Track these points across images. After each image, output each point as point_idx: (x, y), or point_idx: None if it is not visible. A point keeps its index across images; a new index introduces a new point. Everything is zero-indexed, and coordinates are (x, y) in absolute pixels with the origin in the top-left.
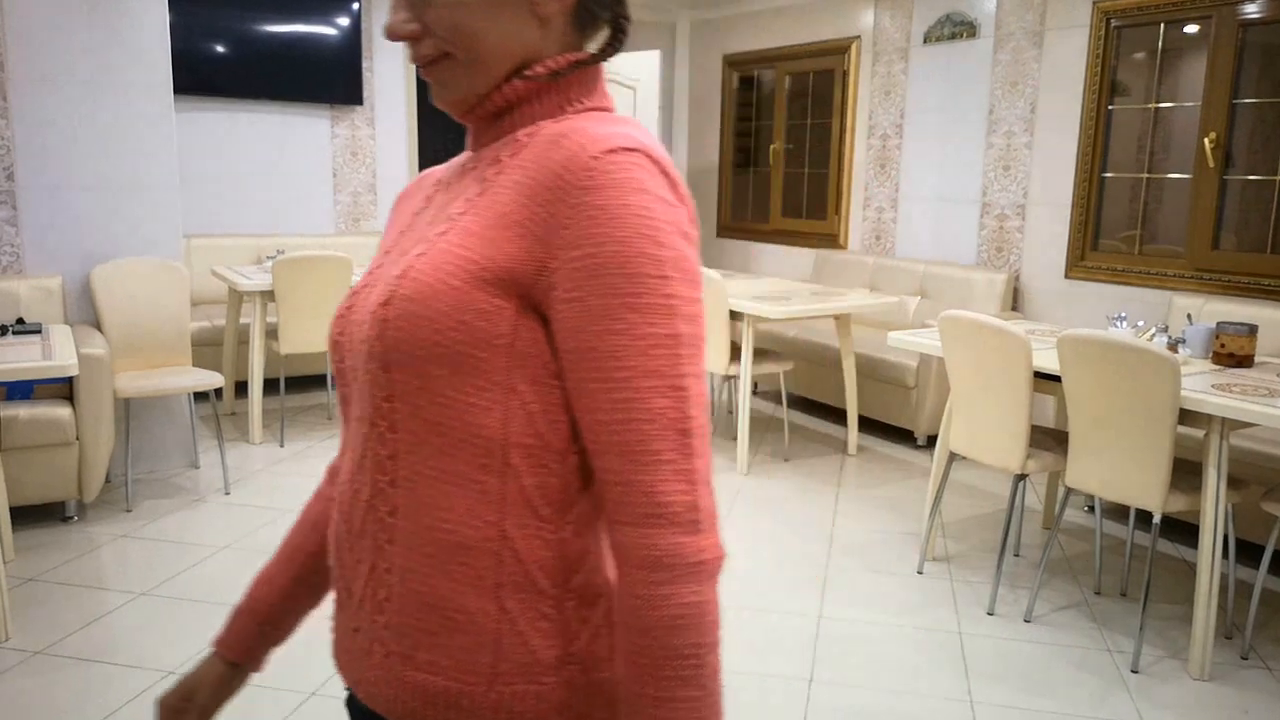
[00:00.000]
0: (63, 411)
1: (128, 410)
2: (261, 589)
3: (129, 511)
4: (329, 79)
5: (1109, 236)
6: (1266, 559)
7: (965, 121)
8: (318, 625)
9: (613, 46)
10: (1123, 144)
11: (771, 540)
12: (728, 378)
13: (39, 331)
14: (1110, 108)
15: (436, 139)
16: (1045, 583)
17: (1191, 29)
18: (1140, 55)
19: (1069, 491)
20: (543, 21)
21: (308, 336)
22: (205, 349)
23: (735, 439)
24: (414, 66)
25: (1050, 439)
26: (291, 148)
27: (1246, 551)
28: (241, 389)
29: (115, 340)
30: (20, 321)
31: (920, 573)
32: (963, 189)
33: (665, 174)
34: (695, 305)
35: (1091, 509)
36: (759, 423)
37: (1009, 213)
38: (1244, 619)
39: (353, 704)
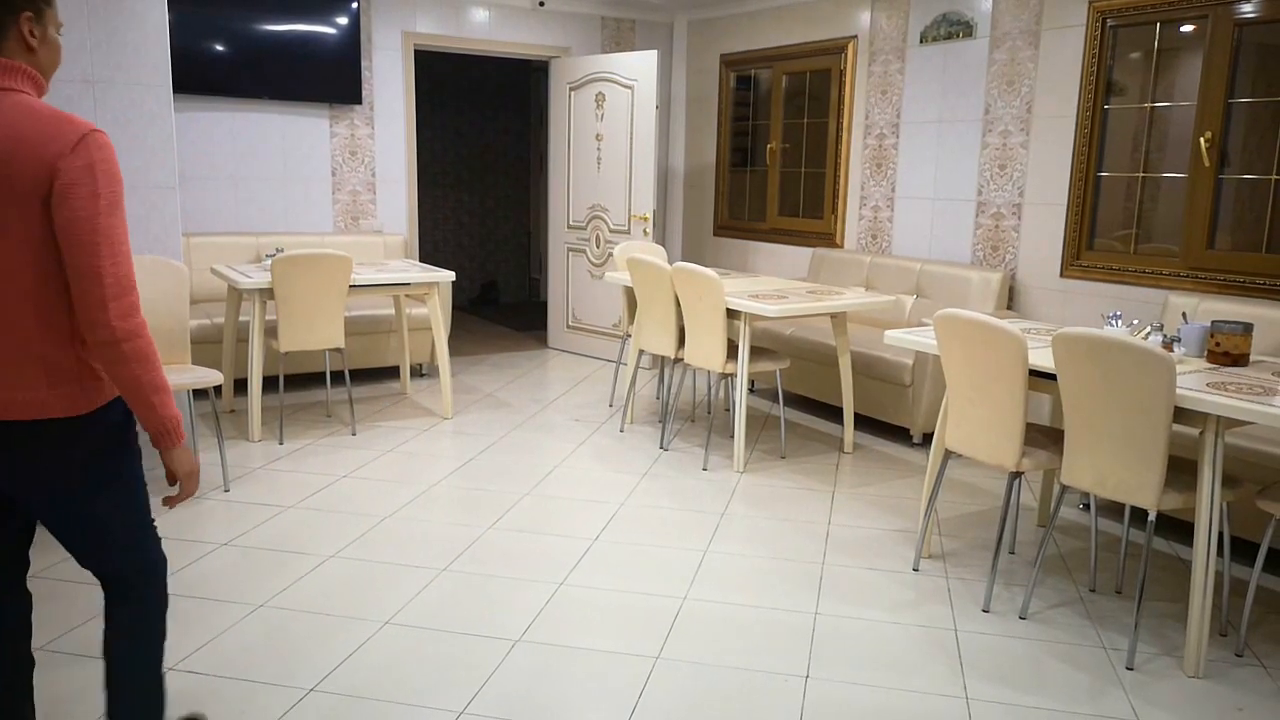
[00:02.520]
0: None
1: None
2: None
3: None
4: (328, 78)
5: (1104, 235)
6: (1261, 557)
7: (961, 121)
8: (320, 625)
9: None
10: (1118, 143)
11: (768, 537)
12: (724, 376)
13: None
14: (1106, 107)
15: (435, 138)
16: (1040, 580)
17: (1187, 29)
18: (1136, 55)
19: (1064, 489)
20: None
21: (306, 334)
22: (204, 347)
23: (732, 437)
24: (412, 67)
25: (1045, 437)
26: (291, 147)
27: (1241, 549)
28: (240, 386)
29: None
30: None
31: (916, 570)
32: (959, 188)
33: None
34: None
35: (1086, 506)
36: (755, 421)
37: (1005, 212)
38: (1239, 617)
39: None
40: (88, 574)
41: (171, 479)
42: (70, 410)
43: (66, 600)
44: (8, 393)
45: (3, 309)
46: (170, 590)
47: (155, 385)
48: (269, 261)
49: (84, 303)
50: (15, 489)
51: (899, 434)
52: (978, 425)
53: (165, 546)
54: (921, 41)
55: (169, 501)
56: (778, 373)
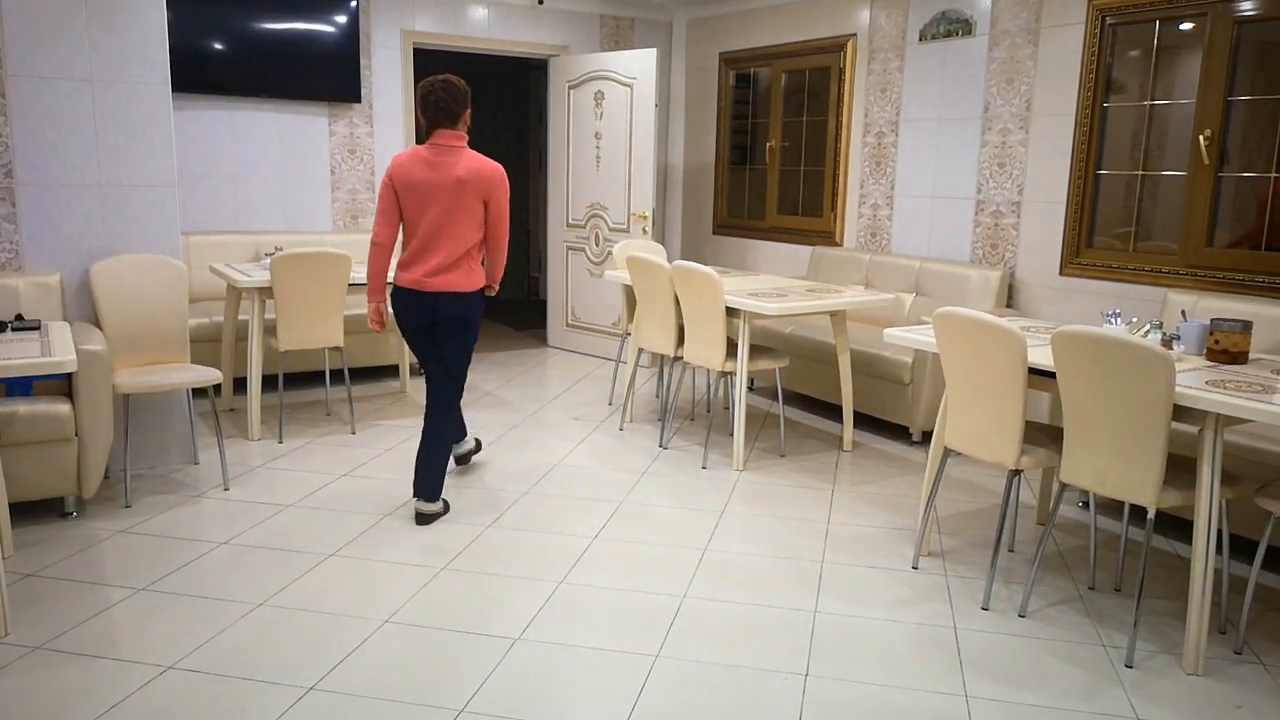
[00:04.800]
0: (62, 408)
1: (127, 406)
2: None
3: (128, 507)
4: (327, 77)
5: (1104, 233)
6: (1260, 554)
7: (961, 119)
8: (319, 623)
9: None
10: (1118, 141)
11: (767, 535)
12: (724, 374)
13: (38, 328)
14: (1105, 105)
15: None
16: (1039, 578)
17: (1186, 26)
18: (1135, 53)
19: (1063, 487)
20: None
21: (305, 333)
22: (203, 345)
23: (731, 435)
24: (411, 65)
25: (1045, 435)
26: (289, 145)
27: (1240, 547)
28: (240, 385)
29: (114, 337)
30: (19, 318)
31: (915, 568)
32: (958, 186)
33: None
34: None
35: (1086, 504)
36: (755, 419)
37: (1004, 210)
38: (1238, 614)
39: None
40: (86, 573)
41: (492, 292)
42: (469, 287)
43: (64, 599)
44: (453, 278)
45: (461, 243)
46: (170, 589)
47: (501, 269)
48: (268, 260)
49: (494, 239)
50: (439, 323)
51: (898, 432)
52: (977, 423)
53: (165, 545)
54: (921, 39)
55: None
56: (777, 371)
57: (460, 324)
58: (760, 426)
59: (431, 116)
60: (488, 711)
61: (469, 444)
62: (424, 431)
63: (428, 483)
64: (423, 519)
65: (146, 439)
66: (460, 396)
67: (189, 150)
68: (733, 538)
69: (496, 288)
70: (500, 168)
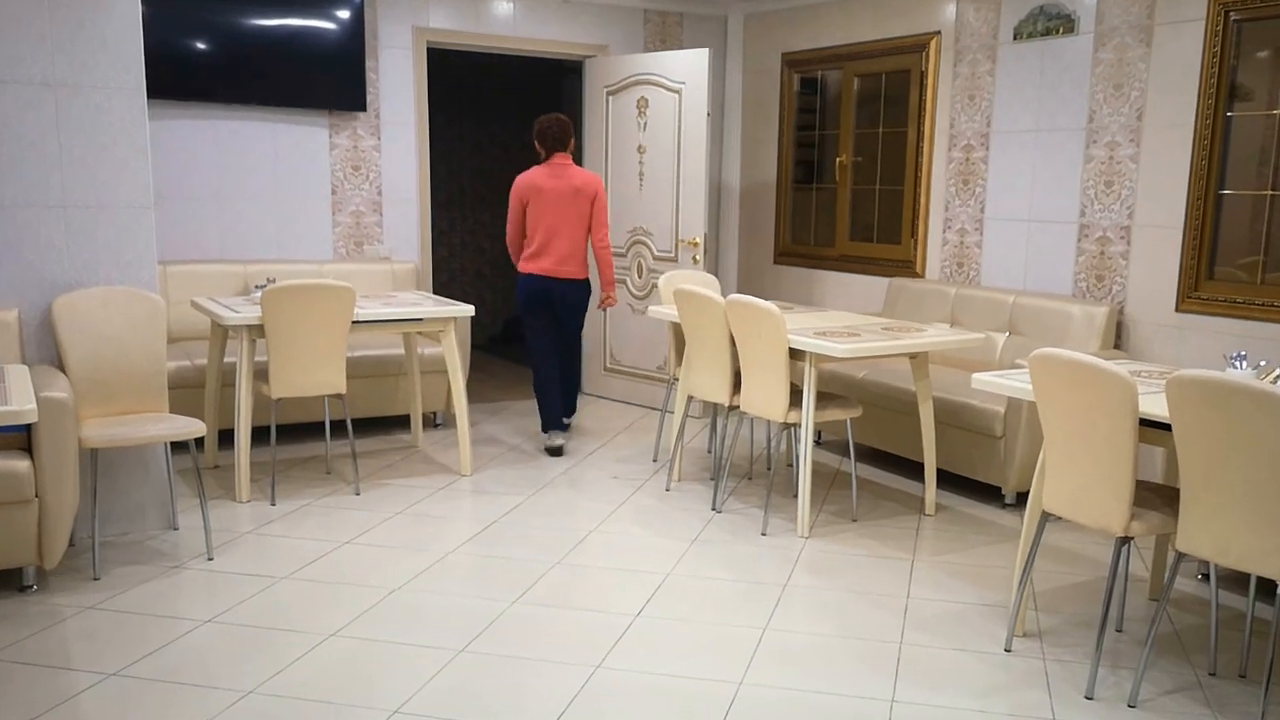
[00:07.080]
0: (20, 464)
1: (95, 463)
2: None
3: (97, 580)
4: (327, 81)
5: (1227, 263)
6: None
7: (1061, 130)
8: (318, 715)
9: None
10: (1244, 156)
11: (837, 613)
12: (786, 426)
13: None
14: (1229, 114)
15: (451, 150)
16: (1152, 662)
17: None
18: (1264, 53)
19: (1180, 557)
20: None
21: (302, 378)
22: (184, 392)
23: (795, 496)
24: (424, 68)
25: (1158, 497)
26: (284, 161)
27: None
28: (226, 439)
29: (80, 382)
30: None
31: (1008, 650)
32: (1058, 208)
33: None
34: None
35: (1205, 577)
36: (823, 478)
37: (1111, 236)
38: None
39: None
40: (49, 656)
41: (609, 301)
42: (581, 276)
43: (24, 685)
44: (569, 268)
45: (575, 240)
46: (146, 674)
47: (611, 264)
48: (259, 293)
49: (597, 235)
50: (558, 304)
51: (989, 493)
52: (1080, 483)
53: (140, 623)
54: (1015, 38)
55: (602, 305)
56: (848, 422)
57: (575, 302)
58: (829, 487)
59: (550, 145)
60: None
61: (561, 438)
62: (555, 378)
63: (556, 417)
64: (555, 450)
65: (118, 501)
66: (579, 351)
67: (168, 166)
68: (797, 615)
69: (615, 295)
70: (599, 177)
